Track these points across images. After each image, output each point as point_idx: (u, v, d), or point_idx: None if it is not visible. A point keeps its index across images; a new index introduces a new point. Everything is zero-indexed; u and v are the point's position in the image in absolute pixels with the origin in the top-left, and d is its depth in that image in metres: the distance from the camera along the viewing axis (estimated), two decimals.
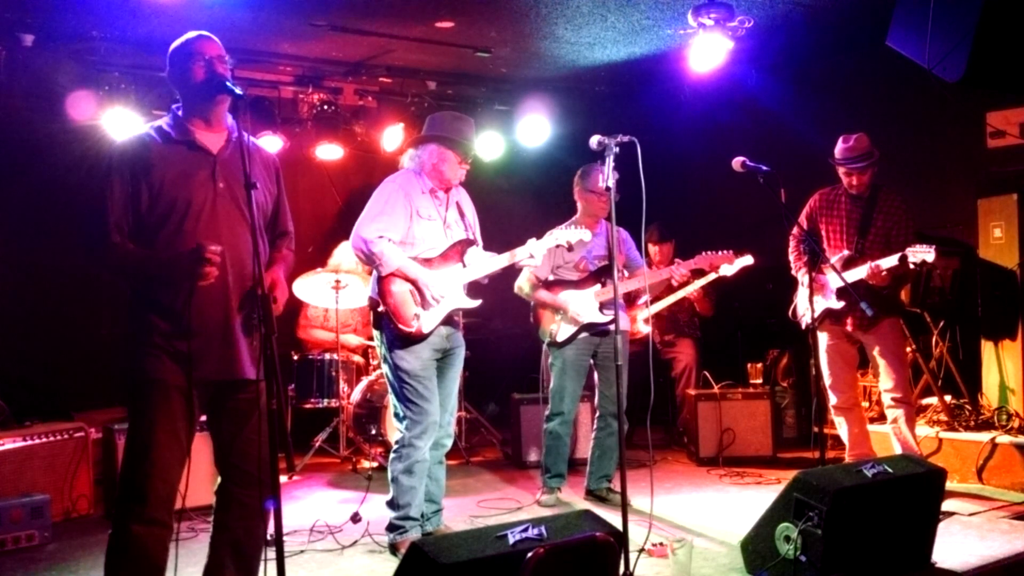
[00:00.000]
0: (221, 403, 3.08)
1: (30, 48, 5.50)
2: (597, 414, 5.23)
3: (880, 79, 6.35)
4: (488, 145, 7.16)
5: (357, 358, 6.64)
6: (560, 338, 5.11)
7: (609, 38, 6.16)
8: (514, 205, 7.57)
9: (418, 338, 4.19)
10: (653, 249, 6.75)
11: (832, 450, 5.59)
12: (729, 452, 6.08)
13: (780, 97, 6.93)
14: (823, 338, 5.26)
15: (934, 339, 5.93)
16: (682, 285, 5.67)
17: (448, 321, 4.31)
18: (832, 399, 5.27)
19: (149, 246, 2.97)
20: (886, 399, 5.16)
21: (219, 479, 3.13)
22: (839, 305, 5.10)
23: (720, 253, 5.23)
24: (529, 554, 2.66)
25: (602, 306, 5.06)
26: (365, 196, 4.35)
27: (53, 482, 4.98)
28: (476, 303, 4.40)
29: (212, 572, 3.12)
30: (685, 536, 4.37)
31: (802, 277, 5.14)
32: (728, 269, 5.51)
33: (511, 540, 2.73)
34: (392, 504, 4.23)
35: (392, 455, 4.26)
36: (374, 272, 4.25)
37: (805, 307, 5.05)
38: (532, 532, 2.77)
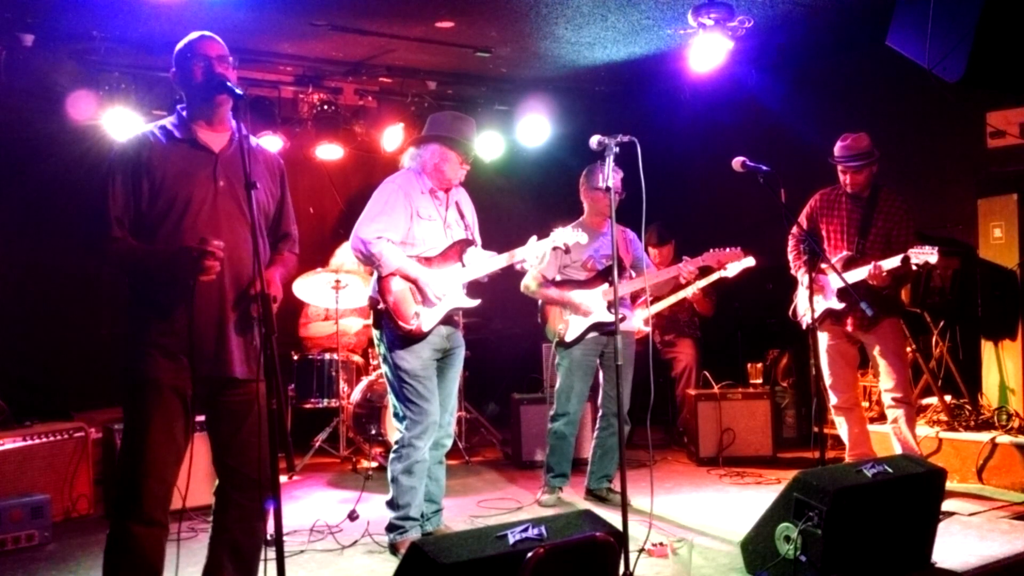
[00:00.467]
0: (215, 402, 3.09)
1: (30, 48, 5.50)
2: (600, 414, 5.23)
3: (880, 79, 6.35)
4: (488, 145, 7.16)
5: (357, 358, 6.64)
6: (568, 338, 5.11)
7: (609, 38, 6.17)
8: (514, 205, 7.58)
9: (418, 337, 4.19)
10: (653, 252, 6.74)
11: (832, 450, 5.59)
12: (729, 452, 6.08)
13: (780, 97, 6.93)
14: (823, 338, 5.26)
15: (934, 339, 5.93)
16: (688, 283, 5.67)
17: (448, 321, 4.31)
18: (832, 399, 5.27)
19: (149, 242, 2.98)
20: (886, 399, 5.16)
21: (217, 480, 3.14)
22: (839, 305, 5.10)
23: (728, 250, 5.22)
24: (529, 554, 2.66)
25: (610, 305, 5.06)
26: (365, 196, 4.35)
27: (53, 482, 4.99)
28: (476, 302, 4.40)
29: (211, 573, 3.12)
30: (685, 536, 4.37)
31: (802, 277, 5.14)
32: (730, 269, 5.51)
33: (511, 540, 2.72)
34: (392, 504, 4.23)
35: (392, 455, 4.26)
36: (375, 272, 4.25)
37: (805, 307, 5.05)
38: (532, 532, 2.77)
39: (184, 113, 3.11)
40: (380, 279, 4.19)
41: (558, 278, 5.17)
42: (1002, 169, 5.82)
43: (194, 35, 3.09)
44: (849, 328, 5.16)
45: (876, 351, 5.13)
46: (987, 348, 5.71)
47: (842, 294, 5.04)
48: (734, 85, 6.93)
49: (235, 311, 3.02)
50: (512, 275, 4.98)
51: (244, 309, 3.02)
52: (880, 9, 4.96)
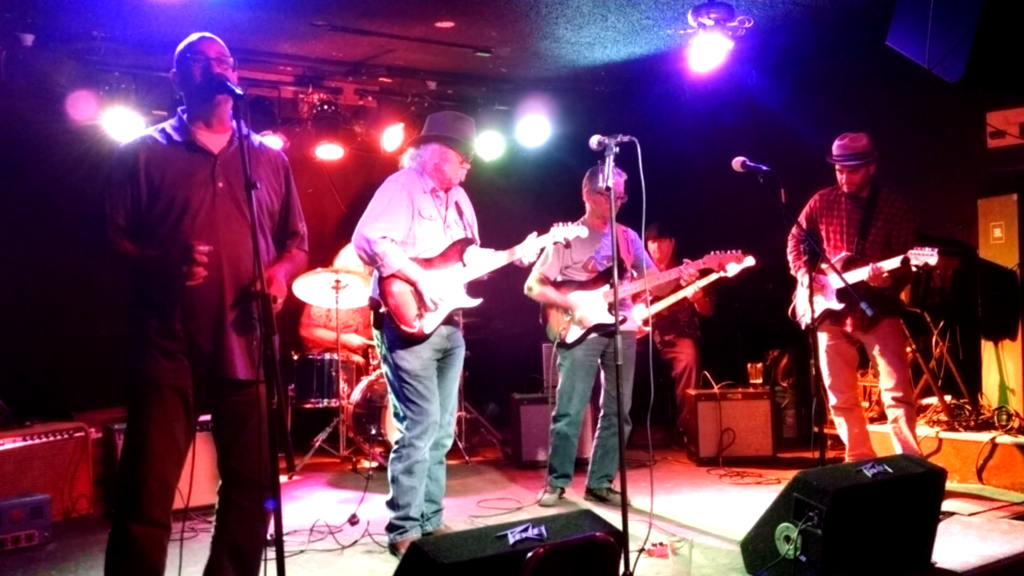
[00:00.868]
0: (218, 404, 3.09)
1: (30, 48, 5.50)
2: (602, 414, 5.24)
3: (880, 79, 6.35)
4: (488, 145, 7.16)
5: (357, 358, 6.64)
6: (569, 339, 5.11)
7: (609, 38, 6.16)
8: (514, 205, 7.57)
9: (419, 338, 4.19)
10: (652, 246, 6.75)
11: (832, 450, 5.59)
12: (729, 452, 6.08)
13: (780, 97, 6.93)
14: (823, 338, 5.26)
15: (934, 339, 5.93)
16: (688, 284, 5.67)
17: (448, 321, 4.31)
18: (832, 399, 5.27)
19: (148, 243, 2.98)
20: (886, 398, 5.16)
21: (220, 480, 3.14)
22: (839, 306, 5.10)
23: (728, 252, 5.23)
24: (529, 554, 2.66)
25: (611, 306, 5.07)
26: (365, 196, 4.34)
27: (53, 482, 4.99)
28: (477, 302, 4.40)
29: (212, 573, 3.12)
30: (685, 536, 4.37)
31: (801, 277, 5.14)
32: (730, 269, 5.51)
33: (511, 540, 2.72)
34: (392, 504, 4.23)
35: (392, 455, 4.26)
36: (375, 272, 4.25)
37: (805, 307, 5.05)
38: (532, 532, 2.77)
39: (184, 115, 3.11)
40: (381, 281, 4.19)
41: (559, 279, 5.17)
42: (1002, 169, 5.82)
43: (194, 36, 3.10)
44: (848, 328, 5.16)
45: (876, 351, 5.13)
46: (987, 348, 5.71)
47: (841, 294, 5.04)
48: (734, 85, 6.93)
49: (234, 311, 3.01)
50: (512, 275, 4.99)
51: (244, 309, 3.01)
52: (880, 9, 4.96)
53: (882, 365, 5.12)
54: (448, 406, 4.38)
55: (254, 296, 2.93)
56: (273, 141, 6.37)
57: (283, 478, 5.25)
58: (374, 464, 6.02)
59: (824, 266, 5.00)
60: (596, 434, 5.26)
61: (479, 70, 6.98)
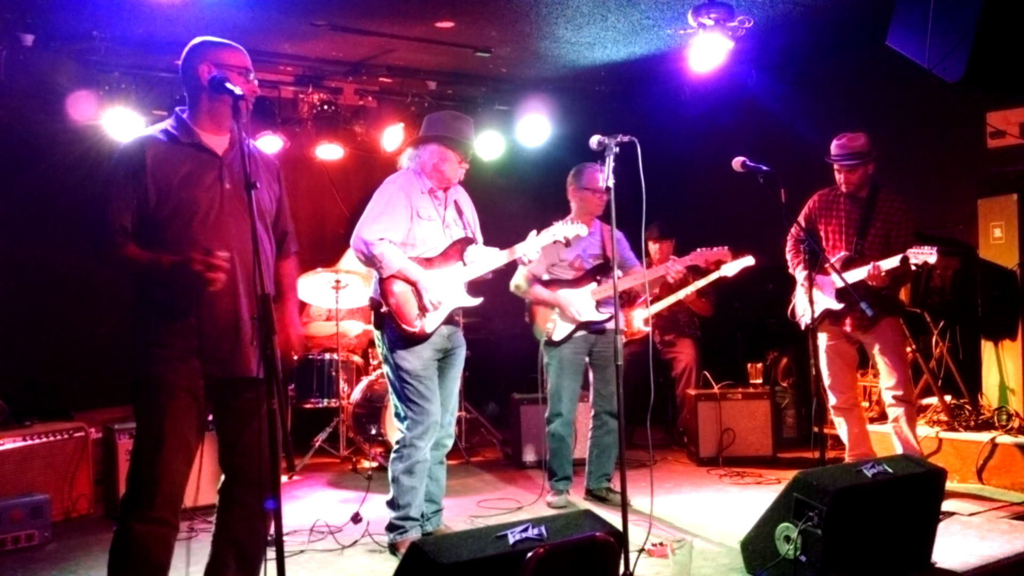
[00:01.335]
0: (227, 402, 3.09)
1: (30, 48, 5.49)
2: (593, 413, 5.23)
3: (880, 79, 6.35)
4: (488, 145, 7.16)
5: (357, 358, 6.64)
6: (556, 337, 5.11)
7: (609, 38, 6.16)
8: (514, 205, 7.57)
9: (421, 338, 4.19)
10: (653, 247, 6.75)
11: (832, 450, 5.59)
12: (729, 452, 6.08)
13: (780, 97, 6.92)
14: (822, 338, 5.26)
15: (934, 339, 5.93)
16: (680, 284, 5.67)
17: (449, 320, 4.31)
18: (832, 399, 5.27)
19: (156, 245, 2.95)
20: (887, 398, 5.16)
21: (222, 478, 3.14)
22: (838, 306, 5.10)
23: (715, 249, 5.23)
24: (529, 554, 2.66)
25: (598, 304, 5.07)
26: (365, 196, 4.35)
27: (53, 482, 4.99)
28: (477, 301, 4.40)
29: (214, 572, 3.12)
30: (685, 536, 4.37)
31: (800, 277, 5.14)
32: (729, 269, 5.51)
33: (511, 540, 2.73)
34: (392, 504, 4.23)
35: (393, 455, 4.26)
36: (375, 272, 4.25)
37: (804, 307, 5.05)
38: (532, 532, 2.77)
39: (184, 115, 3.10)
40: (381, 281, 4.19)
41: (546, 277, 5.17)
42: (1002, 169, 5.82)
43: (208, 39, 3.09)
44: (848, 328, 5.16)
45: (876, 350, 5.13)
46: (987, 348, 5.71)
47: (841, 294, 5.04)
48: (734, 85, 6.93)
49: (248, 311, 3.03)
50: (513, 274, 5.00)
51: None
52: (880, 9, 4.96)
53: (882, 364, 5.12)
54: (449, 406, 4.38)
55: (259, 298, 2.93)
56: (273, 141, 6.39)
57: (283, 478, 5.26)
58: (374, 464, 6.02)
59: (825, 266, 5.00)
60: (589, 434, 5.25)
61: (479, 70, 6.98)
